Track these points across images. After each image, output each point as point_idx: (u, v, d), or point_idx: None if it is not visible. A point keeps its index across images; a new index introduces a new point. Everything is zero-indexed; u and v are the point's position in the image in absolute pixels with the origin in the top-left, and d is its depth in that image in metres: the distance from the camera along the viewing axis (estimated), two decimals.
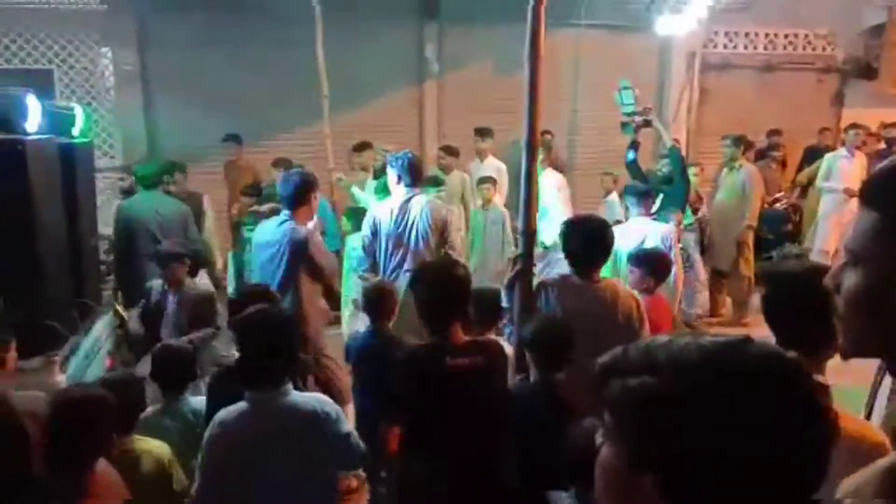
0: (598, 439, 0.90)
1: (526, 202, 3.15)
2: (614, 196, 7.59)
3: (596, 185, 8.23)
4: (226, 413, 2.40)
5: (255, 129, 7.76)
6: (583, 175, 9.27)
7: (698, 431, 0.78)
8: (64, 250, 4.05)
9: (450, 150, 7.20)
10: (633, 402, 0.82)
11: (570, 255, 3.13)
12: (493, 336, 3.36)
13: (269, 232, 4.24)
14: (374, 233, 4.52)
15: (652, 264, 4.04)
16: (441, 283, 2.66)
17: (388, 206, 4.55)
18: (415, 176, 4.58)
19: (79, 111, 4.52)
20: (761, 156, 8.67)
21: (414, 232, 4.43)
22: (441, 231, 4.50)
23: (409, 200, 4.48)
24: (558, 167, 8.51)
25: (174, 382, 3.20)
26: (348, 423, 2.61)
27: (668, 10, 8.29)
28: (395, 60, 8.53)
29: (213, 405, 2.67)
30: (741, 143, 7.18)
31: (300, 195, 4.20)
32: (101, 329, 4.52)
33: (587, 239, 3.13)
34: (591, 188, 8.50)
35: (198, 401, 3.15)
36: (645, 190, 5.11)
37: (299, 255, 4.09)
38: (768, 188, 7.81)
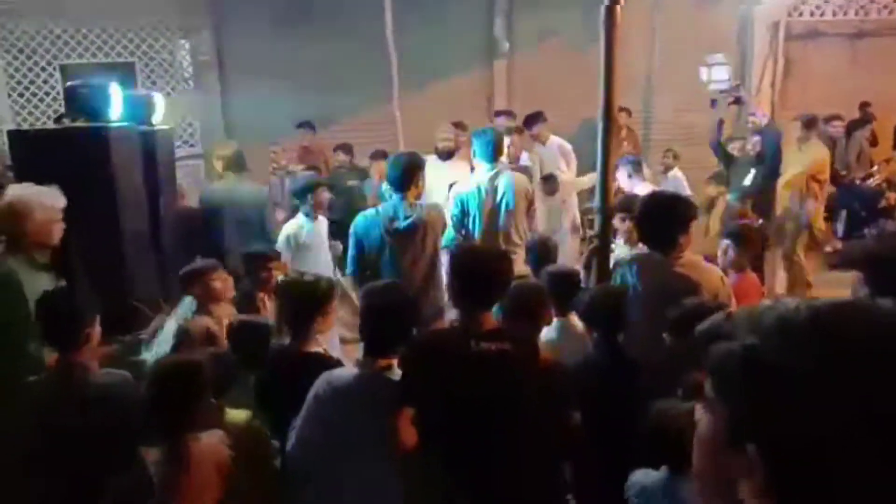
0: (698, 414, 0.83)
1: (602, 179, 3.05)
2: (676, 172, 7.27)
3: None
4: (334, 373, 2.47)
5: (328, 113, 7.84)
6: (658, 151, 9.00)
7: (806, 401, 0.70)
8: (146, 234, 4.16)
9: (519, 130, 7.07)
10: (736, 367, 0.75)
11: (647, 231, 3.02)
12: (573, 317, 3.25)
13: (383, 217, 4.11)
14: (464, 211, 4.50)
15: (743, 238, 3.77)
16: (477, 267, 2.57)
17: (473, 183, 4.56)
18: (496, 150, 4.57)
19: (159, 99, 4.62)
20: (851, 129, 8.21)
21: (503, 207, 4.43)
22: (528, 205, 4.55)
23: (495, 176, 4.49)
24: (636, 147, 8.29)
25: (250, 357, 3.14)
26: None
27: None
28: (465, 40, 8.46)
29: None
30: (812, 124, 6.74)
31: (408, 177, 4.12)
32: (184, 311, 4.65)
33: (664, 214, 3.01)
34: None
35: None
36: None
37: (438, 236, 4.10)
38: (860, 163, 7.41)
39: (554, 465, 2.65)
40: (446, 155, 5.73)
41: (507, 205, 4.45)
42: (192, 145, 8.36)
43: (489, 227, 4.45)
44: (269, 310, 4.14)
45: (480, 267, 2.58)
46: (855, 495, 0.69)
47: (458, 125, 6.46)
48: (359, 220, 4.19)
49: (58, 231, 3.22)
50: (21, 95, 7.82)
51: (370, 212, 4.22)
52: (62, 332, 2.56)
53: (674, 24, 8.56)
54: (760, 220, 6.09)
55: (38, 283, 3.01)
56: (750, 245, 3.80)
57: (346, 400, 2.43)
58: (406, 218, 4.01)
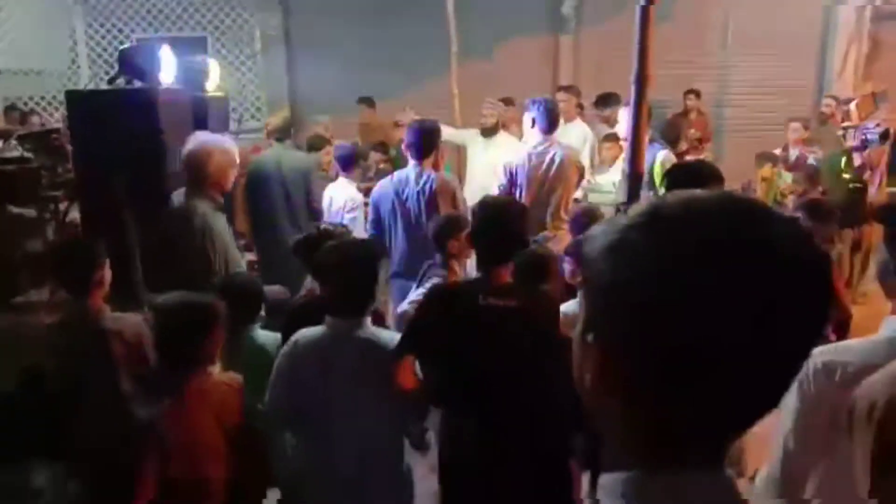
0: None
1: (632, 144, 2.97)
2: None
3: (747, 150, 7.63)
4: (303, 332, 2.47)
5: (388, 87, 7.89)
6: (733, 137, 8.68)
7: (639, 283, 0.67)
8: None
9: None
10: (593, 255, 0.72)
11: None
12: None
13: (394, 183, 4.16)
14: (511, 181, 4.47)
15: (818, 211, 3.42)
16: (491, 218, 2.54)
17: (523, 153, 4.51)
18: (551, 122, 4.51)
19: (213, 66, 4.74)
20: None
21: (552, 180, 4.37)
22: (579, 179, 4.50)
23: (547, 148, 4.44)
24: (705, 130, 7.99)
25: (241, 313, 3.00)
26: None
27: None
28: (529, 17, 8.34)
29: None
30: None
31: (424, 144, 4.13)
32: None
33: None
34: (740, 153, 7.89)
35: (264, 335, 3.07)
36: None
37: (449, 203, 4.05)
38: None
39: (563, 432, 2.61)
40: (489, 131, 5.64)
41: (556, 178, 4.39)
42: (258, 119, 8.58)
43: (536, 200, 4.38)
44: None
45: (494, 218, 2.57)
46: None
47: (506, 101, 6.32)
48: (377, 186, 4.28)
49: (233, 175, 3.52)
50: (101, 67, 8.22)
51: (387, 178, 4.28)
52: (75, 277, 2.69)
53: (749, 4, 8.20)
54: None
55: (219, 223, 3.34)
56: (826, 217, 3.50)
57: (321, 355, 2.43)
58: (416, 185, 4.04)
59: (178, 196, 3.63)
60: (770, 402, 0.70)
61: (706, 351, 0.65)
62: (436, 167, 4.20)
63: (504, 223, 2.52)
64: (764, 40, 8.44)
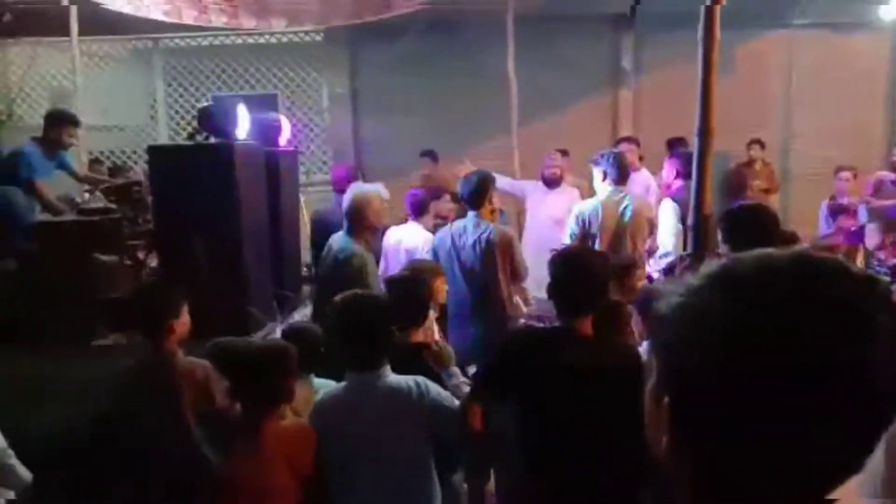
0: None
1: (697, 195, 2.97)
2: None
3: (813, 196, 7.48)
4: (327, 391, 2.58)
5: (450, 143, 8.05)
6: (799, 184, 8.51)
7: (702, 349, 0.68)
8: (265, 245, 4.46)
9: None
10: (666, 313, 0.74)
11: (733, 246, 2.83)
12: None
13: (452, 234, 4.29)
14: (584, 230, 4.52)
15: None
16: (581, 271, 2.54)
17: (595, 202, 4.58)
18: (622, 173, 4.57)
19: (285, 122, 4.99)
20: None
21: (625, 230, 4.43)
22: (650, 231, 4.55)
23: (620, 199, 4.51)
24: (771, 180, 7.86)
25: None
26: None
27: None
28: (589, 70, 8.48)
29: None
30: None
31: (480, 194, 4.29)
32: (298, 318, 4.92)
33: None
34: (807, 199, 7.72)
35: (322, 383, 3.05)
36: None
37: (506, 253, 4.15)
38: None
39: (631, 489, 2.56)
40: (553, 182, 5.72)
41: (629, 228, 4.43)
42: (326, 172, 8.86)
43: (610, 249, 4.40)
44: None
45: (579, 269, 2.57)
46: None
47: (563, 152, 6.42)
48: (439, 233, 4.43)
49: (384, 218, 4.05)
50: (178, 124, 8.68)
51: (447, 226, 4.42)
52: (151, 321, 2.83)
53: (812, 54, 8.13)
54: None
55: (371, 263, 4.01)
56: None
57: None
58: (474, 234, 4.15)
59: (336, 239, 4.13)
60: (851, 465, 0.67)
61: (777, 413, 0.65)
62: (492, 216, 4.29)
63: (589, 274, 2.53)
64: (829, 85, 8.33)
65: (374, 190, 4.09)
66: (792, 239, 3.19)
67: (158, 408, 2.63)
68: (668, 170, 5.14)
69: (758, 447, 0.66)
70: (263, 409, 2.36)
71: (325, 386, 3.02)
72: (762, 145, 8.01)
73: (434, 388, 2.52)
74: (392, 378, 2.49)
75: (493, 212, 4.34)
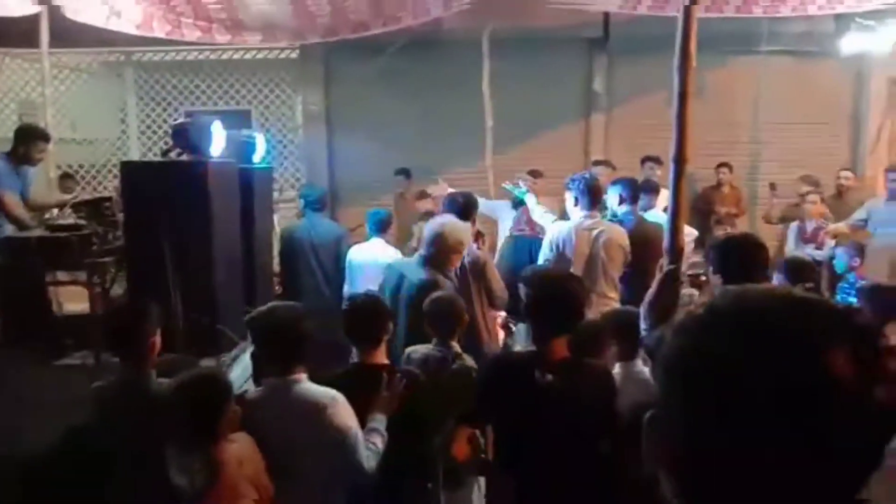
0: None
1: (672, 219, 3.00)
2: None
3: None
4: (250, 394, 2.72)
5: (424, 162, 8.09)
6: (766, 208, 8.66)
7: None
8: (238, 263, 4.41)
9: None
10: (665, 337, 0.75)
11: (723, 275, 2.90)
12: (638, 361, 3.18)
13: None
14: (559, 255, 4.49)
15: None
16: (557, 294, 2.55)
17: (568, 228, 4.55)
18: (591, 199, 4.58)
19: (260, 140, 4.96)
20: None
21: (596, 255, 4.41)
22: (624, 258, 4.51)
23: (593, 223, 4.51)
24: (739, 204, 8.01)
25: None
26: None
27: (858, 30, 7.55)
28: (562, 93, 8.57)
29: None
30: None
31: (465, 215, 4.28)
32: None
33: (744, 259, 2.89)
34: (773, 228, 7.88)
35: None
36: None
37: (477, 276, 4.10)
38: None
39: None
40: (517, 203, 5.74)
41: (602, 255, 4.42)
42: (297, 189, 8.80)
43: (584, 275, 4.38)
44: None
45: (555, 291, 2.58)
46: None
47: (535, 173, 6.49)
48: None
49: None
50: (149, 139, 8.57)
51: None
52: (125, 342, 2.77)
53: (780, 81, 8.33)
54: None
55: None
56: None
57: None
58: None
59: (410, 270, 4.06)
60: (840, 495, 0.68)
61: (747, 441, 0.66)
62: (474, 238, 4.28)
63: (565, 296, 2.53)
64: (794, 111, 8.53)
65: (457, 224, 4.05)
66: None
67: (141, 433, 2.56)
68: (612, 196, 5.13)
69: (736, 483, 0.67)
70: (207, 440, 2.33)
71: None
72: (730, 168, 8.15)
73: (348, 411, 2.56)
74: (305, 386, 2.59)
75: (476, 235, 4.32)
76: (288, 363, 2.61)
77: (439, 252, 3.91)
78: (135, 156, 8.32)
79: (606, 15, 8.06)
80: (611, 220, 5.01)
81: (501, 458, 2.53)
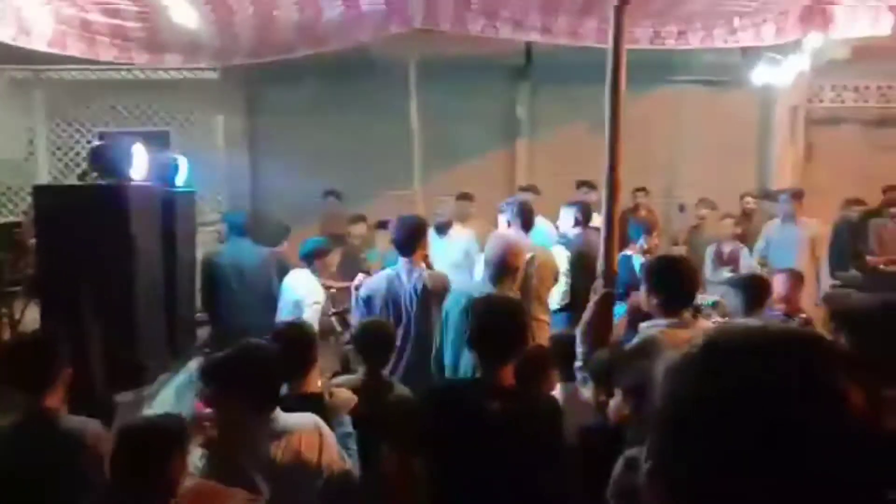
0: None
1: (606, 244, 3.07)
2: None
3: (696, 243, 7.93)
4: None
5: (352, 189, 8.03)
6: (681, 235, 8.99)
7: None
8: (160, 291, 4.23)
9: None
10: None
11: (661, 296, 2.90)
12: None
13: (387, 280, 4.07)
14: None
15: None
16: (500, 320, 2.53)
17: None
18: (525, 222, 4.59)
19: (183, 162, 4.78)
20: (877, 213, 8.14)
21: (528, 277, 4.28)
22: (553, 279, 4.51)
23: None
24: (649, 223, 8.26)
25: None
26: None
27: (764, 63, 7.99)
28: (487, 119, 8.72)
29: None
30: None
31: (413, 239, 4.10)
32: (193, 369, 4.66)
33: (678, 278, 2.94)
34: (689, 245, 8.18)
35: None
36: None
37: (441, 301, 3.90)
38: (886, 248, 7.32)
39: None
40: (440, 229, 5.70)
41: (534, 278, 4.39)
42: (220, 212, 8.56)
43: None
44: None
45: (498, 317, 2.53)
46: None
47: (465, 196, 6.58)
48: (368, 282, 4.24)
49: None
50: (60, 160, 8.17)
51: (378, 275, 4.24)
52: (31, 376, 2.58)
53: (694, 109, 8.72)
54: None
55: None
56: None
57: None
58: (408, 282, 4.00)
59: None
60: None
61: (735, 475, 0.66)
62: (426, 263, 4.20)
63: (508, 322, 2.50)
64: (707, 138, 8.94)
65: (518, 241, 4.03)
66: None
67: (46, 472, 2.38)
68: (565, 217, 5.24)
69: None
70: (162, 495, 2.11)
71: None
72: (646, 192, 8.44)
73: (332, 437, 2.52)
74: (285, 418, 2.47)
75: (425, 258, 4.22)
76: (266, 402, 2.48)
77: (502, 268, 3.78)
78: (43, 178, 7.90)
79: (528, 44, 8.24)
80: (561, 242, 5.10)
81: (441, 490, 2.47)
